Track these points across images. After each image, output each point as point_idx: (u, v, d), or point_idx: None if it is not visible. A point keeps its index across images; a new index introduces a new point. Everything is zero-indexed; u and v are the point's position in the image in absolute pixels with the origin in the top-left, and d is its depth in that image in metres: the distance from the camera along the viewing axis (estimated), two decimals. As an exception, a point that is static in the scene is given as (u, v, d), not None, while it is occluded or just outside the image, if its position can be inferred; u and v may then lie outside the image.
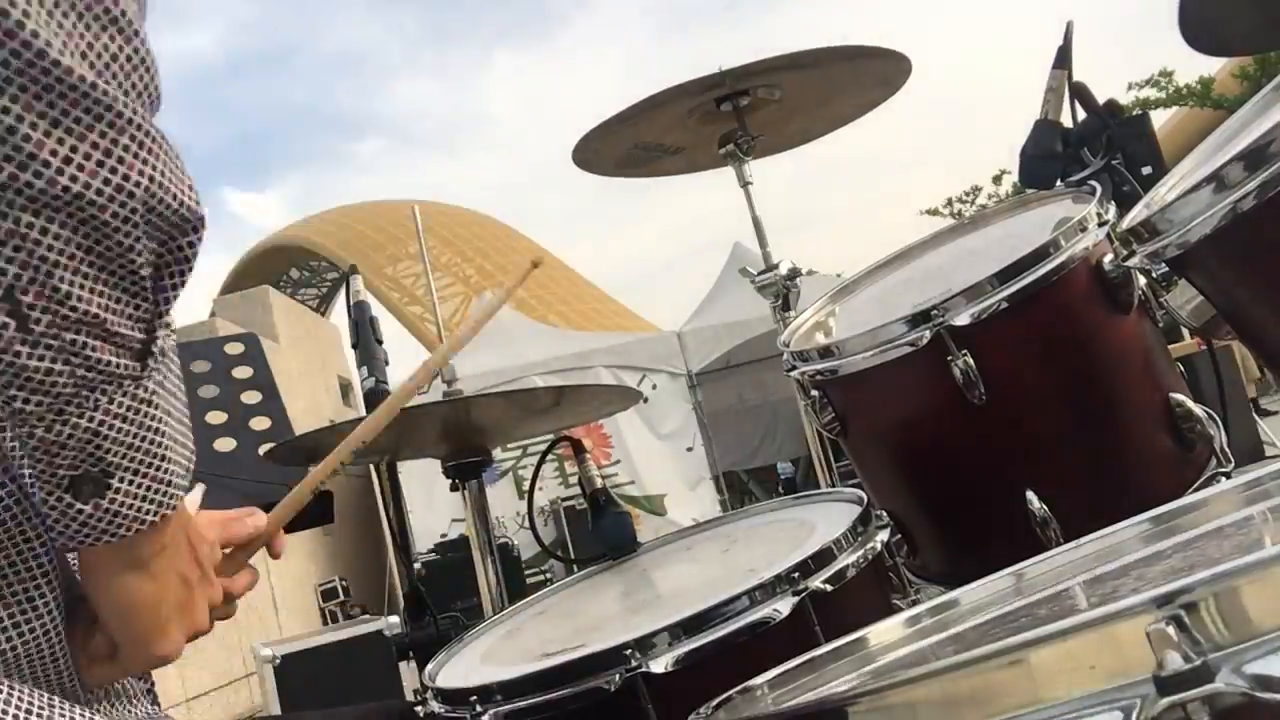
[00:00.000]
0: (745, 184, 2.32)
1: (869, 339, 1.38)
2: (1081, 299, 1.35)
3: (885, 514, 1.36)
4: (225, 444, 1.90)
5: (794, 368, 1.52)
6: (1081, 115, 1.85)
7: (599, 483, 1.70)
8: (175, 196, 0.66)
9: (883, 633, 0.88)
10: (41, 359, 0.62)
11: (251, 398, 2.00)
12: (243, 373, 2.03)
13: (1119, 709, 0.52)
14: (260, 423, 1.96)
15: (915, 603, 0.97)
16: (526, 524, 4.93)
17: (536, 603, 1.58)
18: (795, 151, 2.53)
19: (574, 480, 7.91)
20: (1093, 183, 1.47)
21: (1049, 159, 1.82)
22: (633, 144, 2.33)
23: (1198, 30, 1.53)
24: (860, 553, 1.19)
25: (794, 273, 2.25)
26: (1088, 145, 1.82)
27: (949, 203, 27.60)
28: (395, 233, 25.92)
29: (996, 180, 26.75)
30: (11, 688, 0.70)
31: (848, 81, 2.30)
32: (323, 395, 10.15)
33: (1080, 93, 1.83)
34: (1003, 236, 1.63)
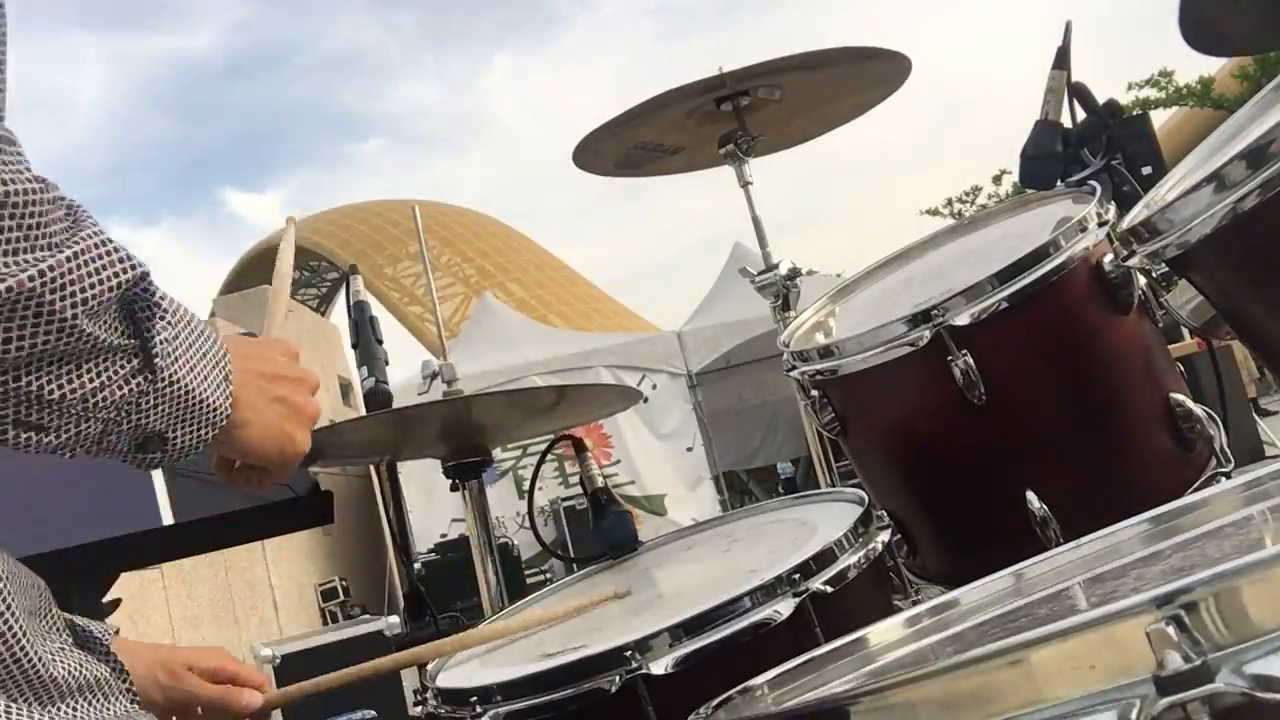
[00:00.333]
0: (745, 184, 2.32)
1: (869, 339, 1.38)
2: (1081, 299, 1.35)
3: (885, 514, 1.36)
4: (225, 444, 1.89)
5: (794, 368, 1.52)
6: (1081, 115, 1.84)
7: (600, 481, 1.69)
8: None
9: (883, 633, 0.88)
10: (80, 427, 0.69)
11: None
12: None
13: (1119, 709, 0.52)
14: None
15: (916, 603, 0.97)
16: (526, 524, 4.92)
17: (536, 602, 1.57)
18: (795, 151, 2.53)
19: (574, 480, 7.92)
20: (1093, 183, 1.47)
21: (1049, 159, 1.82)
22: (633, 144, 2.33)
23: (1198, 30, 1.52)
24: (861, 554, 1.18)
25: (794, 273, 2.25)
26: (1088, 145, 1.82)
27: (949, 203, 27.67)
28: (395, 233, 25.91)
29: (996, 180, 26.81)
30: None
31: (848, 81, 2.30)
32: (322, 395, 10.10)
33: (1080, 93, 1.83)
34: (1003, 236, 1.63)
